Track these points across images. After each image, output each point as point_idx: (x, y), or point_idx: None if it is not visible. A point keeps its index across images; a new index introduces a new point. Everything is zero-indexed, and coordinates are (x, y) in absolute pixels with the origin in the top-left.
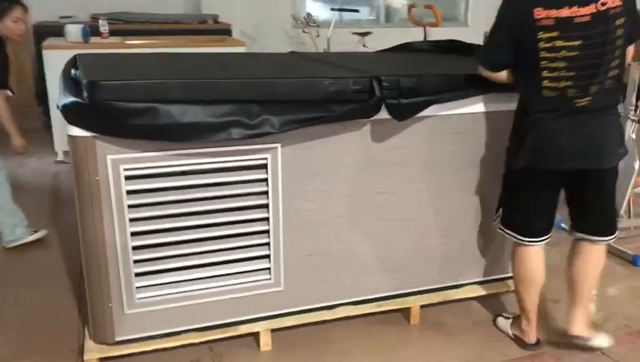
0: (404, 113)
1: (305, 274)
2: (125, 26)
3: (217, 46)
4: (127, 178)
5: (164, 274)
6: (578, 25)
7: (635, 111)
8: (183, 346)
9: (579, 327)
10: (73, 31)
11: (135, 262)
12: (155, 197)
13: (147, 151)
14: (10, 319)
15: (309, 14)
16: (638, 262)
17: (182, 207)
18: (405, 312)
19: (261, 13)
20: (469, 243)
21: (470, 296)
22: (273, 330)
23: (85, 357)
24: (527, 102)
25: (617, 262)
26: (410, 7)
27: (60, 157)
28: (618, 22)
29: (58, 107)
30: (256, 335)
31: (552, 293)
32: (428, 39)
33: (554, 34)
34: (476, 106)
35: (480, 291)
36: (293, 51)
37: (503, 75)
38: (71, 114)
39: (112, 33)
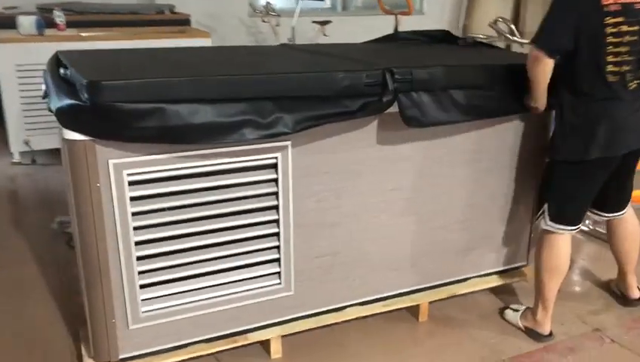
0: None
1: (315, 276)
2: (78, 17)
3: (180, 37)
4: (131, 183)
5: (170, 285)
6: (638, 10)
7: None
8: (190, 359)
9: (636, 291)
10: (26, 23)
11: (140, 273)
12: (160, 203)
13: (151, 154)
14: None
15: (268, 3)
16: None
17: (188, 212)
18: (412, 309)
19: (216, 2)
20: (475, 237)
21: (476, 289)
22: (283, 336)
23: None
24: (589, 90)
25: (607, 248)
26: None
27: (17, 158)
28: None
29: (51, 110)
30: (265, 343)
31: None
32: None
33: (620, 19)
34: None
35: (485, 284)
36: (284, 43)
37: (548, 68)
38: (68, 117)
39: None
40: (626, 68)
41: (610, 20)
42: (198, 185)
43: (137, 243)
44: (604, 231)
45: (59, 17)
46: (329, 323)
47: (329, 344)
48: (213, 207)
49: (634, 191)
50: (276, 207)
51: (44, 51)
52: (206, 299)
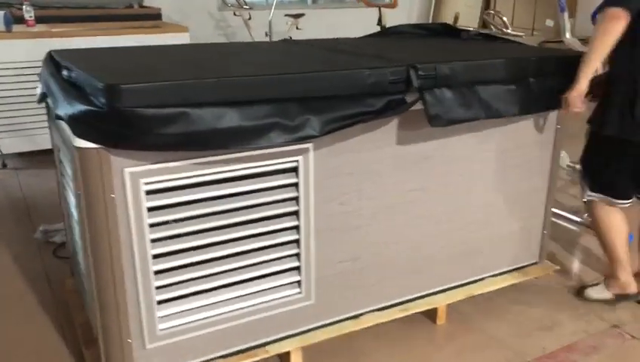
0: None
1: (335, 283)
2: (46, 11)
3: (157, 33)
4: (148, 193)
5: (187, 299)
6: None
7: None
8: None
9: None
10: None
11: (157, 288)
12: (178, 213)
13: (168, 161)
14: None
15: None
16: (629, 238)
17: (207, 221)
18: (429, 312)
19: None
20: (489, 237)
21: (491, 289)
22: (303, 347)
23: None
24: None
25: None
26: None
27: None
28: None
29: (60, 117)
30: (282, 355)
31: (567, 278)
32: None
33: None
34: None
35: (500, 283)
36: (285, 39)
37: (622, 28)
38: (82, 125)
39: None
40: None
41: None
42: (216, 193)
43: (155, 257)
44: None
45: (28, 13)
46: (348, 331)
47: (349, 353)
48: (231, 215)
49: None
50: (296, 213)
51: (13, 49)
52: (224, 312)
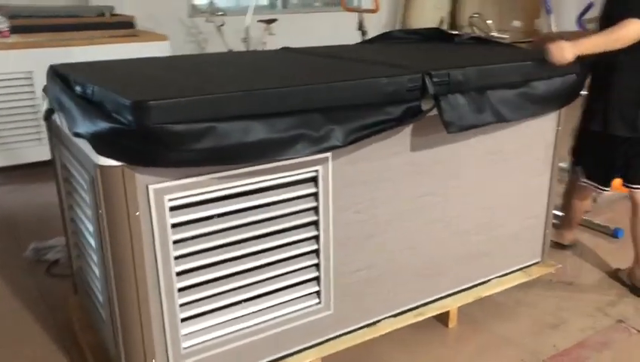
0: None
1: (352, 292)
2: (19, 21)
3: (137, 41)
4: (172, 209)
5: (210, 316)
6: None
7: None
8: None
9: None
10: None
11: (181, 305)
12: (201, 228)
13: (190, 177)
14: None
15: (211, 2)
16: (619, 234)
17: (229, 235)
18: (440, 316)
19: (154, 2)
20: (496, 238)
21: (498, 289)
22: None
23: None
24: None
25: (599, 236)
26: None
27: None
28: None
29: (80, 135)
30: None
31: (567, 277)
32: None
33: None
34: None
35: (507, 284)
36: (285, 47)
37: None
38: (107, 143)
39: None
40: None
41: None
42: (238, 206)
43: (178, 274)
44: (597, 222)
45: (2, 23)
46: (366, 339)
47: (367, 360)
48: (252, 227)
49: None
50: (316, 223)
51: None
52: (245, 327)
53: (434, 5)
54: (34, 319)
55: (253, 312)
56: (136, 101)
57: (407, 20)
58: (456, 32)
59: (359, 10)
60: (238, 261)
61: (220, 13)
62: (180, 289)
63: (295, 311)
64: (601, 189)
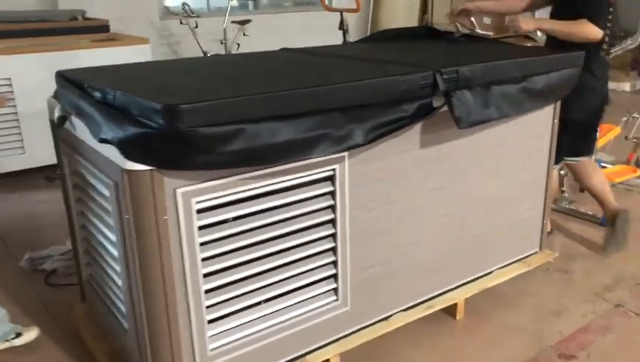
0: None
1: (367, 288)
2: None
3: (116, 45)
4: (199, 211)
5: (234, 317)
6: None
7: None
8: None
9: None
10: None
11: (207, 307)
12: (226, 230)
13: (215, 179)
14: None
15: (184, 4)
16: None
17: (253, 235)
18: (448, 308)
19: (124, 4)
20: (498, 230)
21: (501, 280)
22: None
23: None
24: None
25: (588, 225)
26: None
27: None
28: None
29: (106, 141)
30: None
31: (562, 265)
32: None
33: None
34: None
35: (509, 274)
36: (284, 48)
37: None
38: (136, 148)
39: None
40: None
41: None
42: (260, 207)
43: (205, 276)
44: (583, 211)
45: None
46: (381, 333)
47: (383, 354)
48: (274, 227)
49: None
50: (333, 221)
51: None
52: (267, 327)
53: (405, 5)
54: (40, 328)
55: (275, 311)
56: (167, 105)
57: (378, 20)
58: (449, 30)
59: (340, 10)
60: (260, 261)
61: (194, 15)
62: (207, 291)
63: (314, 309)
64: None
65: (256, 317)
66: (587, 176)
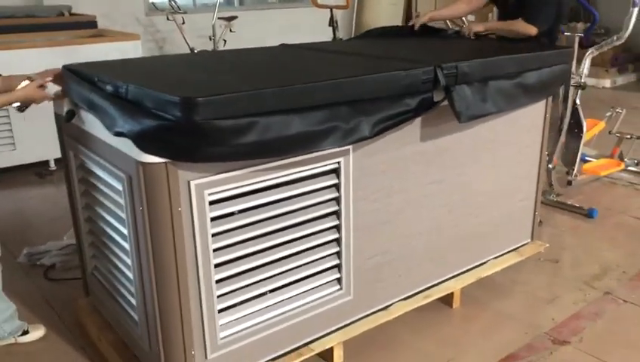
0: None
1: (369, 277)
2: None
3: (106, 41)
4: (212, 203)
5: (243, 306)
6: None
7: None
8: None
9: None
10: None
11: (218, 296)
12: (237, 221)
13: (227, 171)
14: None
15: (171, 0)
16: (594, 213)
17: (262, 227)
18: (444, 297)
19: (110, 0)
20: (492, 221)
21: (496, 270)
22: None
23: None
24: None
25: (576, 217)
26: None
27: None
28: None
29: (121, 134)
30: (325, 351)
31: (552, 255)
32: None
33: None
34: None
35: (503, 264)
36: (283, 44)
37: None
38: (151, 141)
39: None
40: None
41: None
42: (269, 199)
43: (216, 266)
44: (570, 203)
45: None
46: (382, 322)
47: (384, 341)
48: (281, 219)
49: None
50: (337, 213)
51: None
52: (275, 316)
53: (390, 2)
54: (43, 322)
55: (281, 301)
56: (185, 98)
57: (363, 17)
58: (441, 28)
59: (330, 7)
60: (268, 252)
61: (181, 11)
62: (218, 281)
63: (319, 298)
64: None
65: (264, 306)
66: None
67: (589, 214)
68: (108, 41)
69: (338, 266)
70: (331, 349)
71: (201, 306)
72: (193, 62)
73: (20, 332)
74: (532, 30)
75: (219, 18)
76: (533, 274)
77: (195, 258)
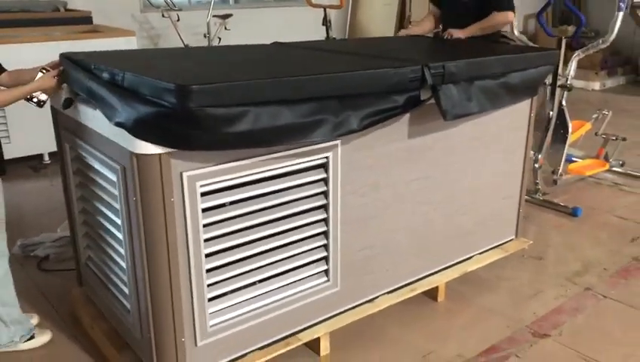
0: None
1: (356, 270)
2: None
3: (102, 37)
4: (203, 194)
5: (232, 295)
6: None
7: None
8: None
9: None
10: None
11: (208, 286)
12: (228, 213)
13: (219, 164)
14: None
15: None
16: (578, 212)
17: (252, 219)
18: (429, 292)
19: None
20: (476, 218)
21: (481, 265)
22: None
23: None
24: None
25: (560, 215)
26: None
27: None
28: None
29: (120, 122)
30: (309, 342)
31: (536, 252)
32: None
33: None
34: None
35: (487, 259)
36: (276, 41)
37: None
38: (146, 128)
39: None
40: None
41: None
42: (259, 191)
43: (207, 256)
44: (556, 202)
45: None
46: (368, 313)
47: (370, 333)
48: (270, 211)
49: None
50: (325, 206)
51: None
52: (263, 305)
53: (383, 2)
54: (37, 311)
55: (270, 291)
56: (180, 85)
57: (357, 17)
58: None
59: (324, 6)
60: (257, 243)
61: (176, 8)
62: (208, 271)
63: (306, 289)
64: None
65: (253, 296)
66: None
67: (573, 213)
68: (103, 37)
69: (325, 258)
70: (318, 339)
71: (191, 294)
72: (189, 55)
73: (28, 337)
74: (510, 16)
75: (214, 16)
76: (517, 270)
77: (187, 247)
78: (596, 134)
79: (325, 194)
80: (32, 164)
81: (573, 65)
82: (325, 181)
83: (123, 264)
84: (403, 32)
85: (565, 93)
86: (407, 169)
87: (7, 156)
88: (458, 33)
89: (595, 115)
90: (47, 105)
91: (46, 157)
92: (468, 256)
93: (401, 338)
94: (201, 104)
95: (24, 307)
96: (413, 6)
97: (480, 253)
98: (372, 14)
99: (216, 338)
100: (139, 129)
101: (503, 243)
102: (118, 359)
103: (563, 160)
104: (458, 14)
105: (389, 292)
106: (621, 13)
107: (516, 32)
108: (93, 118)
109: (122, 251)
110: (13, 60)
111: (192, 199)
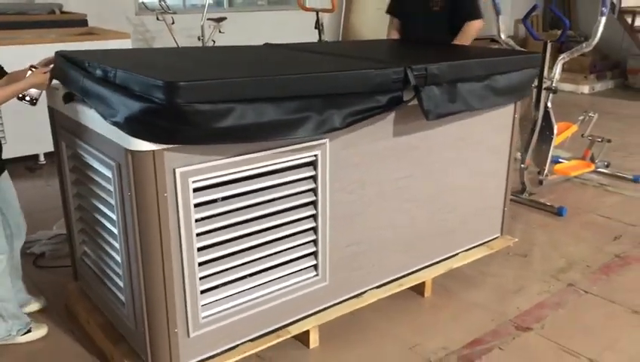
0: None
1: (344, 265)
2: None
3: (97, 39)
4: (195, 190)
5: (224, 288)
6: None
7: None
8: (237, 361)
9: None
10: None
11: (201, 278)
12: (219, 208)
13: (211, 161)
14: None
15: (161, 0)
16: (563, 212)
17: (243, 214)
18: (416, 287)
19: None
20: (462, 216)
21: (466, 261)
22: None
23: None
24: None
25: (546, 215)
26: None
27: None
28: None
29: (115, 122)
30: (299, 334)
31: (522, 250)
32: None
33: None
34: None
35: (473, 256)
36: (267, 43)
37: None
38: (138, 124)
39: None
40: None
41: None
42: (249, 188)
43: (199, 249)
44: (542, 201)
45: None
46: (356, 308)
47: (357, 327)
48: (261, 207)
49: (559, 165)
50: (314, 203)
51: None
52: (253, 299)
53: (375, 6)
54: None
55: (260, 285)
56: (168, 82)
57: (350, 21)
58: None
59: (317, 10)
60: (248, 238)
61: (171, 11)
62: (200, 264)
63: (296, 283)
64: None
65: (243, 289)
66: None
67: (558, 212)
68: (98, 40)
69: (314, 253)
70: (308, 332)
71: (184, 287)
72: (180, 54)
73: (25, 330)
74: (481, 25)
75: (208, 19)
76: (502, 266)
77: (180, 241)
78: (582, 136)
79: (314, 191)
80: (27, 164)
81: (558, 68)
82: (314, 178)
83: (118, 258)
84: None
85: (550, 95)
86: (393, 167)
87: (3, 156)
88: None
89: (581, 117)
90: (43, 106)
91: (42, 158)
92: (453, 253)
93: (389, 331)
94: (189, 100)
95: (30, 289)
96: None
97: (465, 250)
98: (365, 18)
99: (208, 330)
100: (130, 125)
101: (488, 241)
102: (113, 351)
103: (549, 161)
104: (428, 25)
105: (376, 287)
106: (604, 18)
107: (503, 36)
108: (89, 116)
109: (117, 245)
110: (9, 62)
111: (184, 195)
